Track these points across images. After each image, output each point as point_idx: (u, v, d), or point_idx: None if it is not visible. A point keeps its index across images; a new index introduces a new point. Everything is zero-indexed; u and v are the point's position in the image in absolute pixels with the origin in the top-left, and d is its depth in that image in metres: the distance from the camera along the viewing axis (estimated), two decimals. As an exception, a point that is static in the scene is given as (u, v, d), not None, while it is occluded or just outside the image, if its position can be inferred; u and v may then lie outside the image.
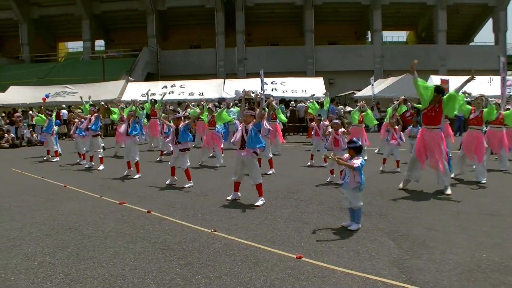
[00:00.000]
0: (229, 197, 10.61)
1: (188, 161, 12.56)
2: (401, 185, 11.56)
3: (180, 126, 12.47)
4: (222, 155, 16.73)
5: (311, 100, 22.61)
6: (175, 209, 9.70)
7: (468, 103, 14.01)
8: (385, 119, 18.52)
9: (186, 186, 12.26)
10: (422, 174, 11.50)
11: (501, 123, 14.43)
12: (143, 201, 10.51)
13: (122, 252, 6.82)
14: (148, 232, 7.93)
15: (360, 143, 8.30)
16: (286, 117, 32.11)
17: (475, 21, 60.46)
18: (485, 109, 13.10)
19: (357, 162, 7.79)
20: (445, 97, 10.80)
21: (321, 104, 22.56)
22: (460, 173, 13.17)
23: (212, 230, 7.86)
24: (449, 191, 10.80)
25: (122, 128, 15.01)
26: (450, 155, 11.56)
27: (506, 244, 7.04)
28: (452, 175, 12.83)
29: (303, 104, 32.43)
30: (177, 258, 6.52)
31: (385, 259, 6.43)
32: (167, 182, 12.70)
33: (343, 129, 12.59)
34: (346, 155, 8.16)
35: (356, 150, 8.00)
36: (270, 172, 14.36)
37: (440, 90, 10.98)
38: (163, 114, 16.59)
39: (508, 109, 16.12)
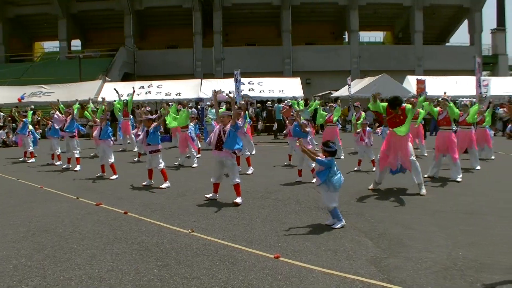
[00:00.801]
0: (207, 195, 10.63)
1: (162, 161, 12.49)
2: (370, 187, 11.65)
3: (150, 127, 12.43)
4: (197, 156, 16.72)
5: (297, 99, 22.64)
6: (153, 210, 9.67)
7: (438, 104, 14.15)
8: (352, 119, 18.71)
9: (162, 186, 12.22)
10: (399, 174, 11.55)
11: (469, 123, 14.62)
12: (120, 202, 10.45)
13: (99, 254, 6.79)
14: (125, 233, 7.90)
15: (336, 148, 8.37)
16: (263, 117, 32.21)
17: (451, 22, 61.21)
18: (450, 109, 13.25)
19: (322, 157, 7.87)
20: (408, 107, 10.85)
21: (305, 104, 22.72)
22: (434, 175, 13.27)
23: (190, 231, 7.86)
24: (423, 191, 10.89)
25: (96, 132, 14.98)
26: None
27: (482, 242, 7.14)
28: (426, 175, 12.98)
29: (281, 104, 32.50)
30: (155, 259, 6.50)
31: (362, 258, 6.48)
32: (144, 183, 12.64)
33: (308, 129, 12.72)
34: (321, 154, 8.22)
35: (331, 154, 8.08)
36: (249, 171, 14.39)
37: (395, 103, 11.02)
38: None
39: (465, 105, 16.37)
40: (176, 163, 16.61)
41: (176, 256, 6.63)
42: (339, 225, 7.99)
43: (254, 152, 18.83)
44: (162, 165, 12.41)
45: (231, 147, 10.09)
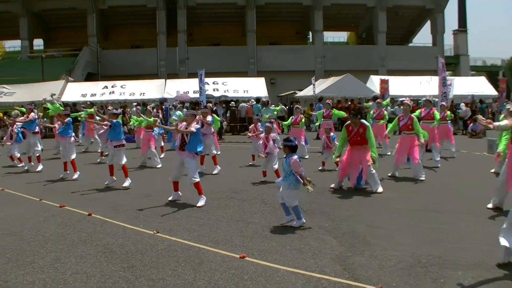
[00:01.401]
0: (170, 198, 10.58)
1: (124, 157, 12.47)
2: (332, 185, 11.77)
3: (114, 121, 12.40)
4: (160, 156, 16.65)
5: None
6: (117, 211, 9.62)
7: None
8: (316, 123, 18.90)
9: (125, 184, 12.19)
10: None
11: (432, 118, 15.02)
12: (84, 204, 10.34)
13: (63, 256, 6.72)
14: (90, 235, 7.83)
15: (296, 143, 8.42)
16: (227, 117, 32.20)
17: (414, 23, 62.05)
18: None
19: (298, 164, 7.91)
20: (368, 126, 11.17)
21: (264, 104, 22.79)
22: (394, 173, 13.43)
23: (155, 232, 7.84)
24: (380, 189, 11.07)
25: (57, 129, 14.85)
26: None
27: (445, 239, 7.28)
28: (389, 174, 13.19)
29: (245, 104, 32.56)
30: (120, 261, 6.47)
31: (328, 256, 6.53)
32: (106, 183, 12.53)
33: (274, 134, 12.78)
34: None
35: (291, 149, 8.11)
36: (216, 171, 14.42)
37: (355, 114, 11.43)
38: (98, 118, 16.40)
39: (442, 105, 16.72)
40: (140, 163, 16.52)
41: (141, 257, 6.61)
42: (299, 224, 8.03)
43: (219, 152, 18.92)
44: (124, 161, 12.36)
45: (193, 149, 10.13)
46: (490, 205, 9.39)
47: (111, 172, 12.57)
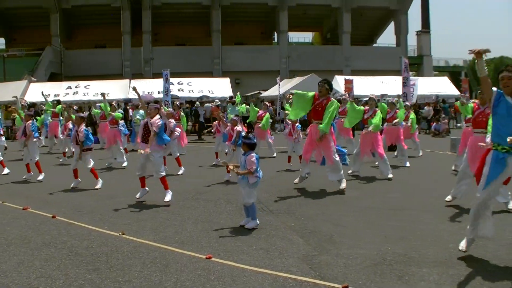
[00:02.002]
0: (137, 196, 10.54)
1: (91, 160, 12.34)
2: (296, 181, 11.80)
3: (81, 127, 12.23)
4: (125, 155, 16.53)
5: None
6: (82, 213, 9.52)
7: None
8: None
9: (97, 186, 12.11)
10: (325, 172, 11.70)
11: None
12: (48, 206, 10.21)
13: (27, 260, 6.62)
14: (54, 237, 7.74)
15: (255, 141, 8.44)
16: (192, 117, 32.11)
17: (378, 24, 62.75)
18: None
19: (253, 162, 7.87)
20: (334, 102, 11.04)
21: (233, 102, 22.89)
22: (357, 170, 13.55)
23: (120, 233, 7.78)
24: (343, 185, 11.12)
25: (20, 130, 14.61)
26: (345, 151, 11.85)
27: (410, 237, 7.38)
28: (350, 171, 13.29)
29: (209, 104, 32.50)
30: (85, 264, 6.40)
31: (294, 256, 6.57)
32: (72, 185, 12.39)
33: (239, 127, 12.75)
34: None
35: (249, 146, 8.09)
36: (180, 171, 14.38)
37: (326, 84, 11.25)
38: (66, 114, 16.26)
39: (406, 105, 16.95)
40: (107, 164, 16.38)
41: (107, 259, 6.55)
42: (252, 225, 8.01)
43: (184, 153, 18.93)
44: (91, 164, 12.23)
45: (158, 141, 10.13)
46: (448, 198, 9.63)
47: (75, 175, 12.42)
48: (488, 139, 8.40)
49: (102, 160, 16.63)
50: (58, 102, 22.25)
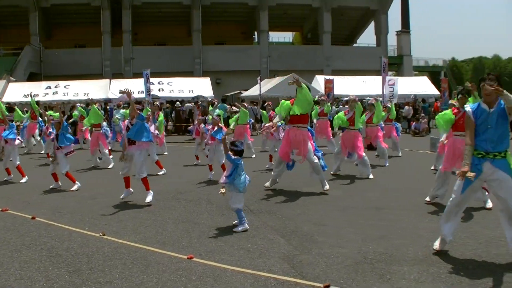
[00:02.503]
0: (122, 196, 10.53)
1: (67, 164, 12.17)
2: (267, 184, 11.73)
3: (59, 130, 12.14)
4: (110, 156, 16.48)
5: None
6: (62, 214, 9.46)
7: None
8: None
9: (73, 188, 11.97)
10: (305, 172, 11.73)
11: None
12: (27, 207, 10.14)
13: (6, 262, 6.57)
14: (34, 239, 7.68)
15: (242, 147, 8.42)
16: (171, 117, 32.09)
17: (358, 24, 63.06)
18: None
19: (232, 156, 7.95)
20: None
21: (212, 104, 22.95)
22: (338, 170, 13.63)
23: (101, 234, 7.75)
24: (326, 187, 11.13)
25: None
26: (322, 152, 11.87)
27: (391, 236, 7.44)
28: (332, 172, 13.31)
29: (190, 104, 32.46)
30: (66, 265, 6.37)
31: (275, 255, 6.59)
32: (51, 186, 12.29)
33: (221, 125, 12.79)
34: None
35: (237, 153, 8.10)
36: (161, 172, 14.34)
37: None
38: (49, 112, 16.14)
39: (387, 107, 17.09)
40: (93, 164, 16.32)
41: (88, 260, 6.52)
42: (240, 229, 7.98)
43: (166, 153, 18.95)
44: (66, 168, 12.07)
45: (139, 138, 10.14)
46: (428, 198, 9.73)
47: (55, 178, 12.30)
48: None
49: (89, 162, 16.65)
50: (37, 102, 22.06)
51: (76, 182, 12.14)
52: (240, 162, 8.05)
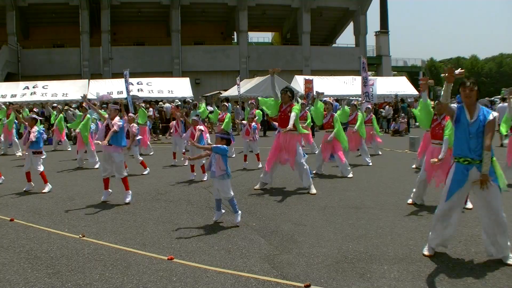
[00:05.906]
0: (102, 198, 10.50)
1: (41, 164, 12.01)
2: (257, 186, 11.73)
3: (34, 128, 11.96)
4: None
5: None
6: (41, 215, 9.37)
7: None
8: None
9: (44, 190, 11.81)
10: (289, 172, 11.76)
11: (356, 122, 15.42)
12: (5, 209, 10.04)
13: (-16, 264, 6.50)
14: (12, 241, 7.60)
15: (231, 136, 8.53)
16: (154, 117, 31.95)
17: (337, 24, 63.53)
18: (338, 112, 13.90)
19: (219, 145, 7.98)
20: (297, 106, 11.10)
21: (194, 105, 23.05)
22: (320, 170, 13.69)
23: (80, 236, 7.69)
24: (313, 191, 11.12)
25: None
26: (306, 154, 11.89)
27: (370, 235, 7.48)
28: (314, 171, 13.34)
29: (169, 104, 32.39)
30: (45, 267, 6.31)
31: (256, 255, 6.58)
32: (25, 188, 12.10)
33: (201, 127, 12.80)
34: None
35: (227, 142, 8.22)
36: (146, 172, 14.42)
37: (288, 90, 11.41)
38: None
39: (368, 108, 17.19)
40: (78, 165, 16.23)
41: (67, 262, 6.47)
42: (239, 218, 8.21)
43: (151, 153, 19.00)
44: (41, 168, 11.94)
45: (119, 143, 10.18)
46: (409, 201, 9.78)
47: (28, 178, 12.15)
48: (441, 155, 8.70)
49: (75, 161, 16.63)
50: (11, 103, 21.89)
51: (48, 184, 12.01)
52: (227, 149, 8.16)
